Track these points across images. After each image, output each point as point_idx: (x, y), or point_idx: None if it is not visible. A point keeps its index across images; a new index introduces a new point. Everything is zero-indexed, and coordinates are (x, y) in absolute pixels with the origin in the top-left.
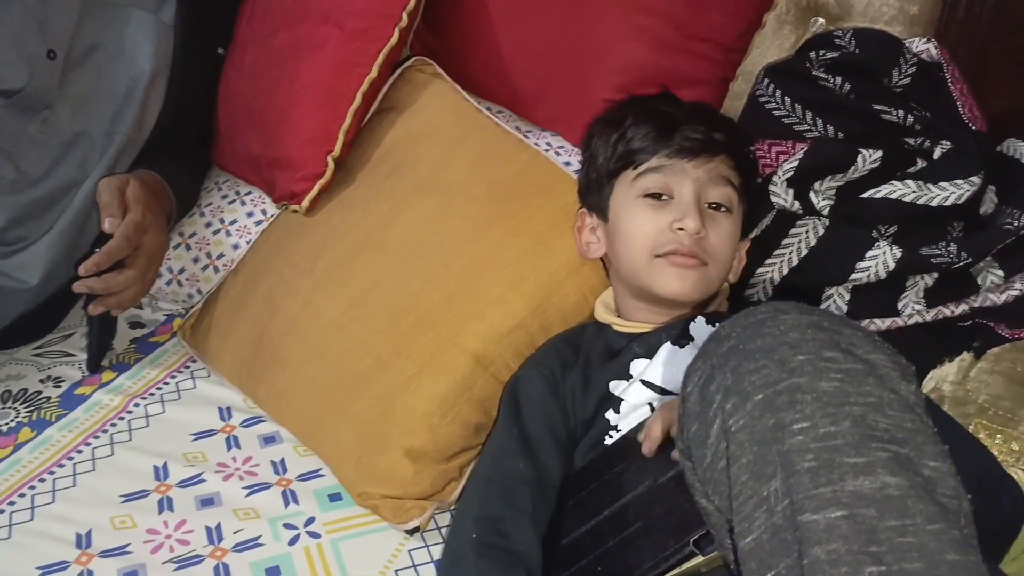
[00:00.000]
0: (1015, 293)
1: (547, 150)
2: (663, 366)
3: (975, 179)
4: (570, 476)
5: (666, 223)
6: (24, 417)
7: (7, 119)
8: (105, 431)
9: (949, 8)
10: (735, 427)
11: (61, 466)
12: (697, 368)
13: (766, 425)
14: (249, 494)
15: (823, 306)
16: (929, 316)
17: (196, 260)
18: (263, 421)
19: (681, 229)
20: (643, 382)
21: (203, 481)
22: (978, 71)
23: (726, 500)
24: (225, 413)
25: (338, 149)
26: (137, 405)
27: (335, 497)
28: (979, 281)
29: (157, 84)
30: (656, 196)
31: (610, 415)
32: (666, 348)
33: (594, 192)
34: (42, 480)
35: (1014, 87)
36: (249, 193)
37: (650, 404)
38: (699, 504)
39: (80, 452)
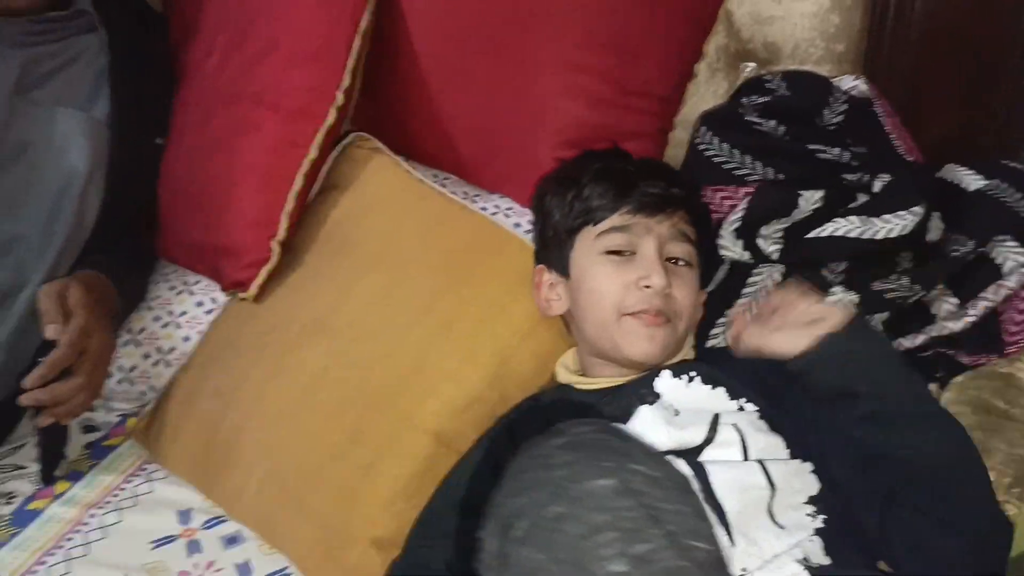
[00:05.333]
0: (972, 319)
1: (495, 213)
2: (643, 429)
3: (918, 209)
4: None
5: (631, 280)
6: None
7: None
8: (60, 547)
9: (874, 44)
10: None
11: None
12: None
13: None
14: None
15: None
16: None
17: (147, 356)
18: (225, 521)
19: (648, 287)
20: None
21: None
22: (908, 103)
23: None
24: (185, 516)
25: (282, 233)
26: (93, 516)
27: None
28: (933, 310)
29: (95, 180)
30: (619, 253)
31: None
32: (643, 411)
33: (553, 249)
34: None
35: (945, 115)
36: (198, 282)
37: None
38: None
39: (34, 574)
